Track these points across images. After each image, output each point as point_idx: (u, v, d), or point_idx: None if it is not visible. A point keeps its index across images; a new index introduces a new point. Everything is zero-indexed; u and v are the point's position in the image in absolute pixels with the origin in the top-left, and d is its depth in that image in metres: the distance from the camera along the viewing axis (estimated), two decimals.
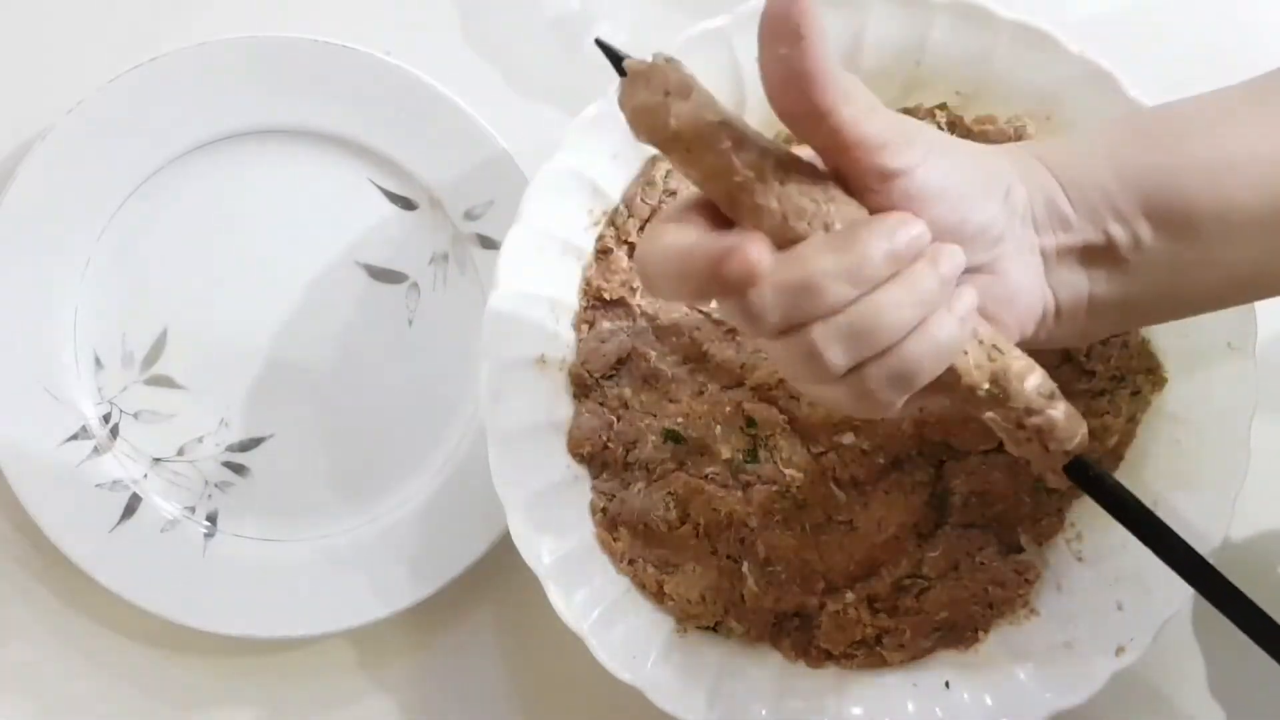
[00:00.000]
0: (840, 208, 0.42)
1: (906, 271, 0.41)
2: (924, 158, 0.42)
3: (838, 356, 0.41)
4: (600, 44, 0.42)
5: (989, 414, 0.46)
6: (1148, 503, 0.58)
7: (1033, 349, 0.46)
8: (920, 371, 0.42)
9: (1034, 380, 0.45)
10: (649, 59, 0.41)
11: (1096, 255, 0.47)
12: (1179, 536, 0.47)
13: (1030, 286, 0.46)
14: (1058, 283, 0.47)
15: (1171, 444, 0.59)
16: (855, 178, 0.42)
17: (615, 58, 0.42)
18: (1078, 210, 0.46)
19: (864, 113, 0.41)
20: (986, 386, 0.44)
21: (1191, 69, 0.66)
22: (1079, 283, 0.47)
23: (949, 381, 0.44)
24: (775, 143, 0.42)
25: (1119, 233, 0.46)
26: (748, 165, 0.40)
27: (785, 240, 0.41)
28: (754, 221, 0.41)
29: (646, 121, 0.40)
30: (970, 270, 0.44)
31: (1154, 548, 0.48)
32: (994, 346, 0.44)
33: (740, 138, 0.41)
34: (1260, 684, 0.64)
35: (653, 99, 0.40)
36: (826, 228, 0.41)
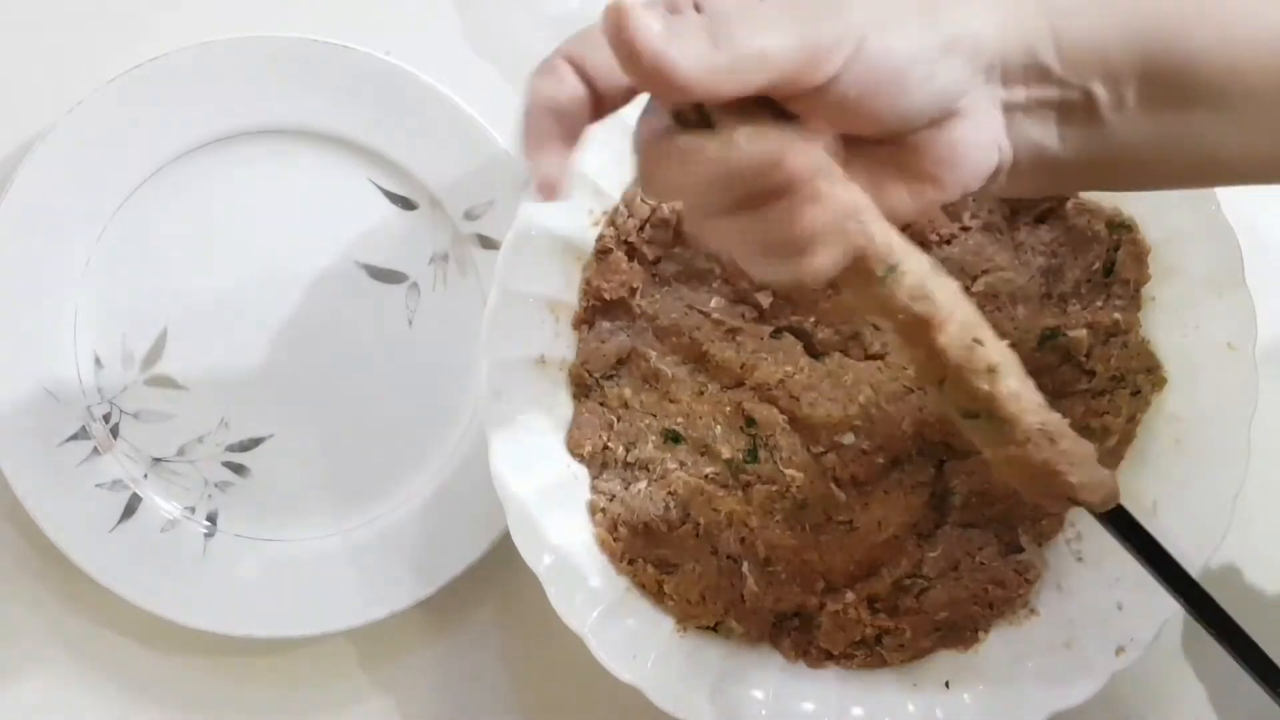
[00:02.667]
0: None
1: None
2: (850, 53, 0.39)
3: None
4: None
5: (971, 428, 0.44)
6: (1147, 503, 0.58)
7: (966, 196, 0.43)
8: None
9: (1011, 383, 0.42)
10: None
11: (1070, 112, 0.43)
12: (1213, 599, 0.46)
13: (982, 142, 0.42)
14: (1018, 136, 0.43)
15: (1171, 444, 0.59)
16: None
17: None
18: (1063, 63, 0.42)
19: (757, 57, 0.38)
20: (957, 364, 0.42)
21: None
22: (1044, 138, 0.43)
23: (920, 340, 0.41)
24: None
25: (1102, 92, 0.42)
26: None
27: None
28: None
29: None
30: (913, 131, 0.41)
31: (1188, 605, 0.46)
32: (975, 339, 0.42)
33: None
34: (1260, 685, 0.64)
35: None
36: None
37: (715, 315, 0.60)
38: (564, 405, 0.60)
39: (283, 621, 0.63)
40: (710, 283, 0.60)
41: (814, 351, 0.60)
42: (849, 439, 0.59)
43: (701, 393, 0.60)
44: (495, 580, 0.64)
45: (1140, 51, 0.42)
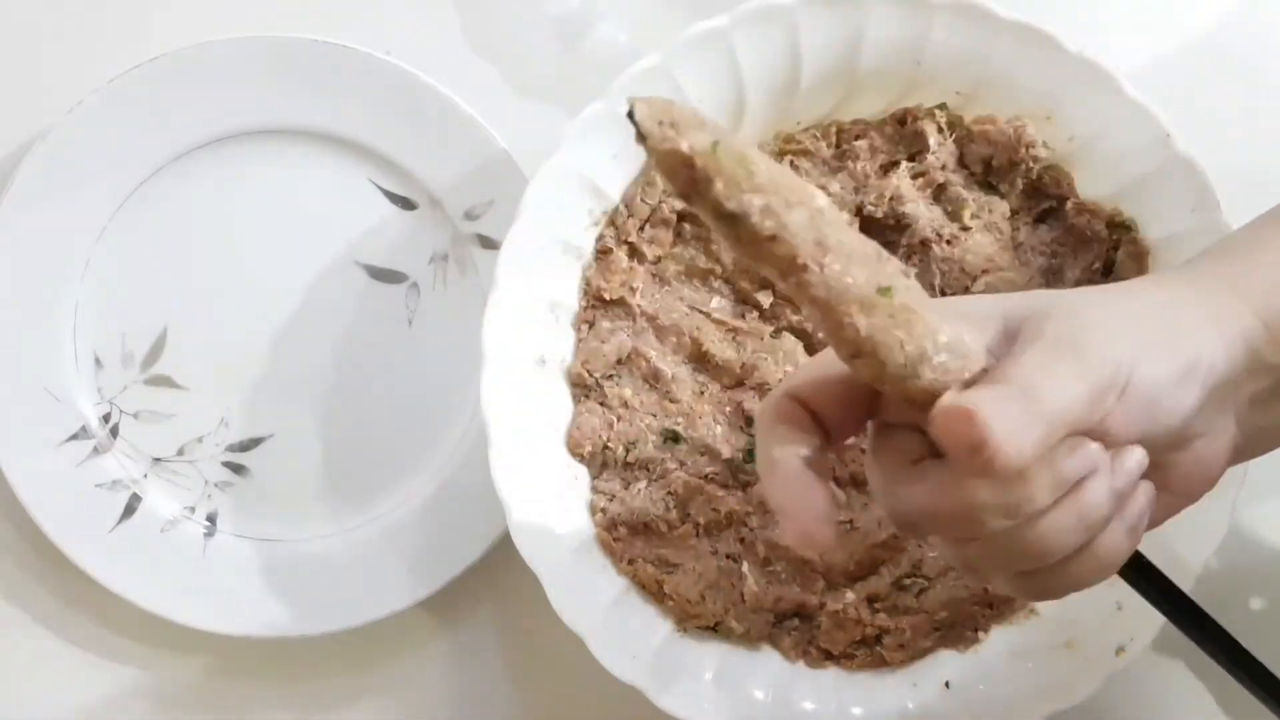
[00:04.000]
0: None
1: (1077, 492, 0.40)
2: (1122, 390, 0.40)
3: (997, 575, 0.41)
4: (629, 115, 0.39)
5: None
6: None
7: None
8: (1083, 585, 0.41)
9: None
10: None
11: None
12: (1242, 646, 0.46)
13: (1221, 452, 0.44)
14: (1248, 427, 0.44)
15: None
16: None
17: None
18: (1277, 350, 0.44)
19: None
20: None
21: (1195, 70, 0.66)
22: (1266, 420, 0.45)
23: None
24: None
25: None
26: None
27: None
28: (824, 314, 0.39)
29: (667, 161, 0.37)
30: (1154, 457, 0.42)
31: (1212, 652, 0.46)
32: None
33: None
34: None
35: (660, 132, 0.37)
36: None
37: (716, 315, 0.60)
38: (564, 405, 0.60)
39: (283, 621, 0.63)
40: (711, 282, 0.60)
41: (814, 351, 0.60)
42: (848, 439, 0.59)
43: (702, 392, 0.60)
44: (495, 580, 0.64)
45: None
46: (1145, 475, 0.42)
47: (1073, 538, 0.40)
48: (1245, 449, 0.45)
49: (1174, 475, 0.43)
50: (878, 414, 0.42)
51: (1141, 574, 0.45)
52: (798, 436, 0.41)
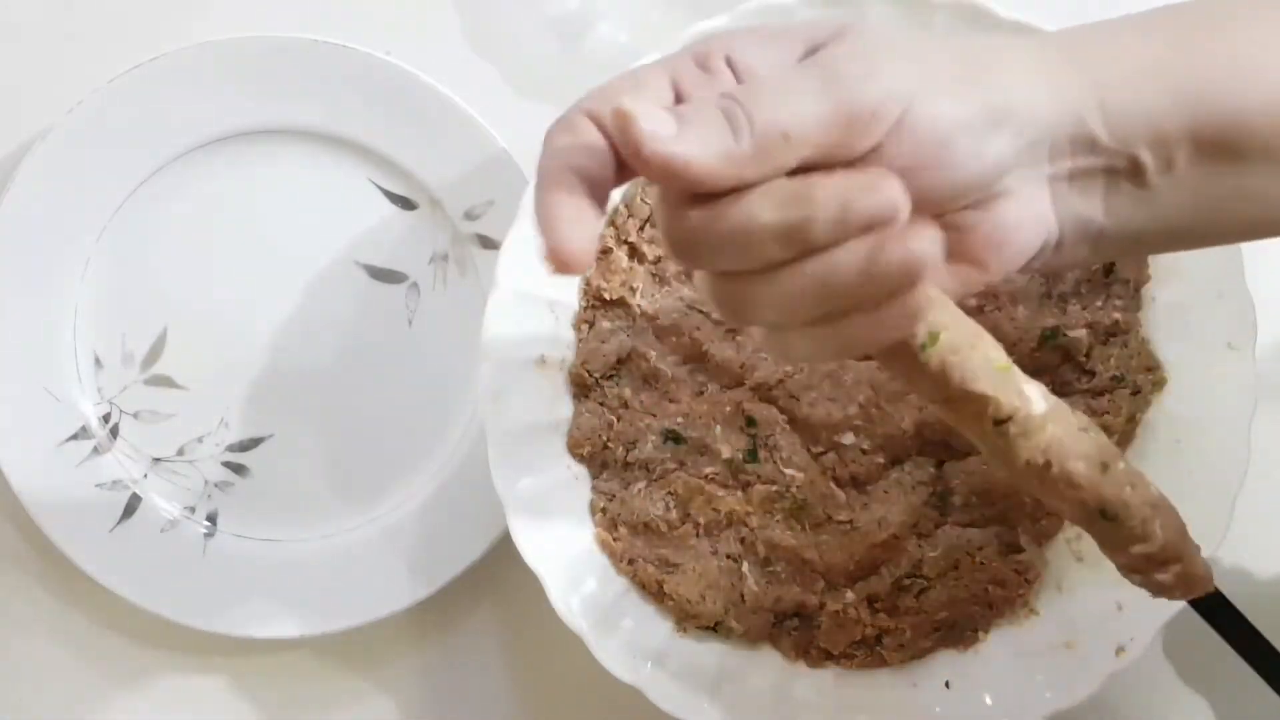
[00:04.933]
0: None
1: (862, 243, 0.36)
2: (893, 122, 0.37)
3: (766, 313, 0.38)
4: None
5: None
6: None
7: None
8: (874, 334, 0.37)
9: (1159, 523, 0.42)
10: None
11: (1116, 181, 0.41)
12: None
13: (1029, 222, 0.40)
14: (1064, 210, 0.41)
15: (1171, 444, 0.59)
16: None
17: None
18: (1110, 131, 0.40)
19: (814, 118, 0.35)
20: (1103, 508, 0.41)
21: None
22: (1089, 210, 0.41)
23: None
24: None
25: (1150, 158, 0.41)
26: None
27: None
28: None
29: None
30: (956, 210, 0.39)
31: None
32: (1131, 478, 0.41)
33: None
34: (1259, 684, 0.64)
35: None
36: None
37: (715, 315, 0.60)
38: (564, 405, 0.60)
39: (283, 621, 0.63)
40: None
41: None
42: (849, 439, 0.59)
43: (701, 392, 0.60)
44: (495, 580, 0.64)
45: (1190, 113, 0.40)
46: (942, 231, 0.38)
47: (855, 278, 0.36)
48: (1068, 246, 0.42)
49: (972, 237, 0.40)
50: None
51: (1215, 611, 0.44)
52: (583, 150, 0.37)
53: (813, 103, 0.36)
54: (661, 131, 0.35)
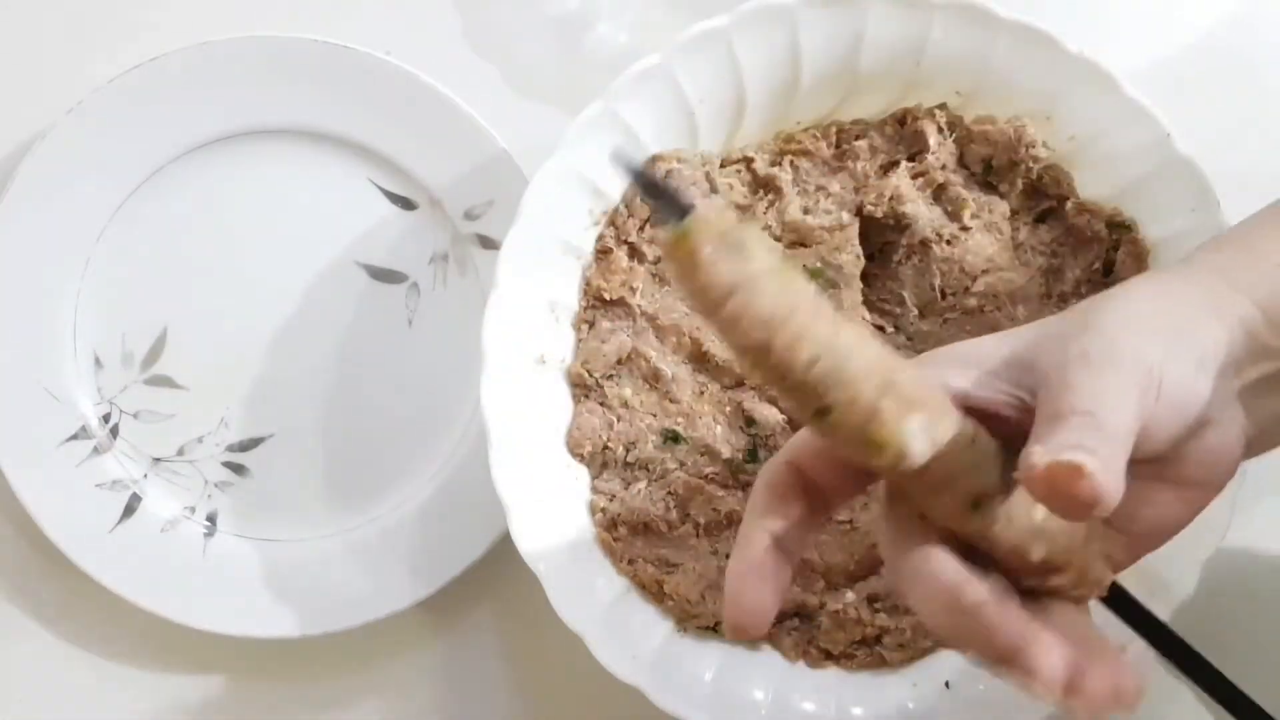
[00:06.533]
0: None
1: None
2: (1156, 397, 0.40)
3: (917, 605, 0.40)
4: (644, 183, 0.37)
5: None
6: None
7: None
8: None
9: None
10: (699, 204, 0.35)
11: None
12: (1226, 678, 0.47)
13: (1234, 439, 0.44)
14: (1257, 411, 0.44)
15: None
16: None
17: (659, 191, 0.36)
18: (1276, 331, 0.44)
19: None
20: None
21: (1195, 70, 0.66)
22: (1273, 407, 0.45)
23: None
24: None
25: None
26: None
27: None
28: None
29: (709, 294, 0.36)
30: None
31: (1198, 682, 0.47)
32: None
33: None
34: (1258, 685, 0.64)
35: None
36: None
37: None
38: (564, 405, 0.60)
39: (283, 621, 0.63)
40: None
41: None
42: None
43: (702, 393, 0.60)
44: (495, 580, 0.64)
45: None
46: (1159, 472, 0.42)
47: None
48: (1257, 441, 0.45)
49: (1189, 464, 0.43)
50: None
51: (1118, 602, 0.45)
52: (780, 509, 0.41)
53: (1125, 397, 0.39)
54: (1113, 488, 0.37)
